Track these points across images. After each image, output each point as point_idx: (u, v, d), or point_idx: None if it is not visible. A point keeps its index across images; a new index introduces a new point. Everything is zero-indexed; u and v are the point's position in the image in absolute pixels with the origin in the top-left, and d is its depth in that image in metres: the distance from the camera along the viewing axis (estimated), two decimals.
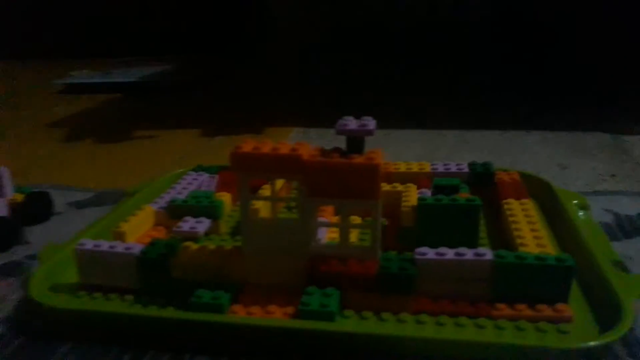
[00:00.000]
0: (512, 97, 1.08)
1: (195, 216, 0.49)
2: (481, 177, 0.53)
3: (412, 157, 0.73)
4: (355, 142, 0.35)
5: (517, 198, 0.49)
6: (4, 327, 0.39)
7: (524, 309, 0.35)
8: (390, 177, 0.54)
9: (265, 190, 0.50)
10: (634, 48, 0.92)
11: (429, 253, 0.37)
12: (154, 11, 1.66)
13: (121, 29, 1.70)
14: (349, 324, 0.36)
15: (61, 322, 0.38)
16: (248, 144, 0.37)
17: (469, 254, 0.37)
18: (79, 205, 0.62)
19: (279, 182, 0.50)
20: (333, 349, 0.34)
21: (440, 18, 1.07)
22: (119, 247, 0.40)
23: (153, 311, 0.37)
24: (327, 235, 0.44)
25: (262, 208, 0.48)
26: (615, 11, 0.94)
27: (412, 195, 0.48)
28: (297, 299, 0.36)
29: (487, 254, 0.36)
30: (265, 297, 0.38)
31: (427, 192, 0.49)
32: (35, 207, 0.56)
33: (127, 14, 1.68)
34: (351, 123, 0.36)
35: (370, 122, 0.36)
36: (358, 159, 0.35)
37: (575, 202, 0.49)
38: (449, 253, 0.37)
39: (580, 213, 0.48)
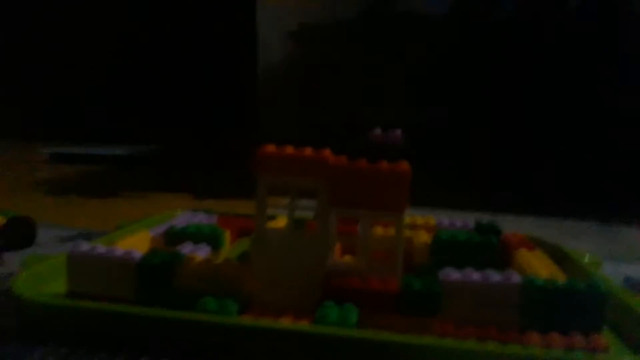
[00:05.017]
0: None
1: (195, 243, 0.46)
2: (488, 232, 0.52)
3: None
4: (386, 151, 0.35)
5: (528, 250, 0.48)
6: None
7: (556, 338, 0.33)
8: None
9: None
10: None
11: (454, 274, 0.35)
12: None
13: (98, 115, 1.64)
14: None
15: (43, 322, 0.34)
16: (271, 146, 0.36)
17: (496, 276, 0.35)
18: (63, 240, 0.58)
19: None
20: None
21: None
22: (118, 252, 0.37)
23: (153, 311, 0.33)
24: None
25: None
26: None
27: (422, 235, 0.46)
28: (311, 315, 0.33)
29: (515, 276, 0.35)
30: (275, 312, 0.35)
31: None
32: (18, 231, 0.52)
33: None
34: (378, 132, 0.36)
35: (397, 131, 0.36)
36: (386, 166, 0.35)
37: (587, 258, 0.48)
38: (475, 275, 0.35)
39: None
